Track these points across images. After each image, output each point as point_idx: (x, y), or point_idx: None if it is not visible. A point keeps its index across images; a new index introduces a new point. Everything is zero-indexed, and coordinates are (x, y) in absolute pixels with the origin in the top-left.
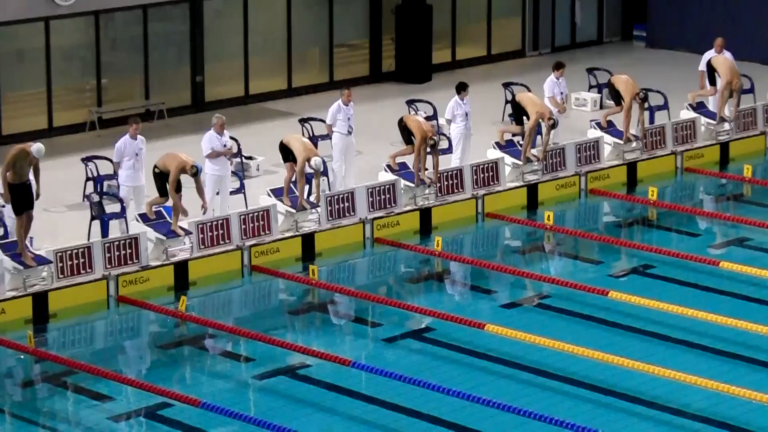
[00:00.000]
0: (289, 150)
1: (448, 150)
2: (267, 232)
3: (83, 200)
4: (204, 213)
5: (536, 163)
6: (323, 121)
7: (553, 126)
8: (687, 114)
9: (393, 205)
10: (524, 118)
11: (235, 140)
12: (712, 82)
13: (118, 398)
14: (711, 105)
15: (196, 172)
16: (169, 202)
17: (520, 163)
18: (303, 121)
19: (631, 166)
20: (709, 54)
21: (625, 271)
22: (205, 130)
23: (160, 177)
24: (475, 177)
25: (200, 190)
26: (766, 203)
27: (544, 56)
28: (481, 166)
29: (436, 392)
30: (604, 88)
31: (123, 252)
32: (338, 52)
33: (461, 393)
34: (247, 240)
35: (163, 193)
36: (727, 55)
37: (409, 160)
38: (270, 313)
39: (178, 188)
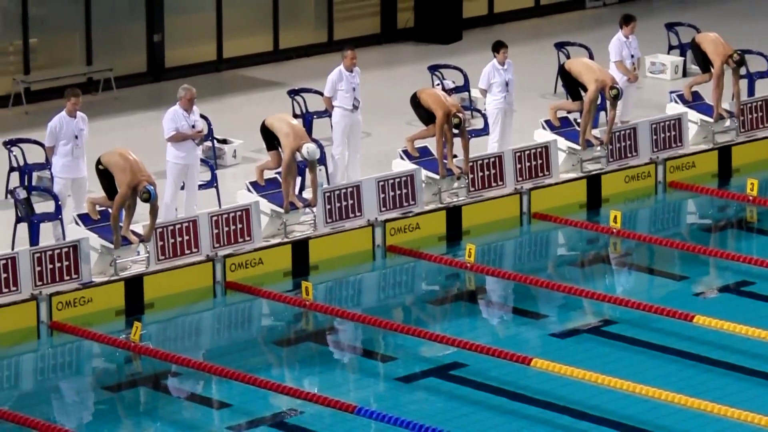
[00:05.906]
0: (273, 135)
1: (484, 131)
2: (247, 238)
3: (6, 197)
4: (138, 244)
5: (599, 148)
6: (320, 93)
7: (617, 97)
8: None
9: (411, 202)
10: (580, 90)
11: (206, 119)
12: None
13: None
14: None
15: (147, 198)
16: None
17: (577, 147)
18: (293, 93)
19: (724, 152)
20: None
21: (716, 290)
22: (165, 105)
23: (106, 176)
24: (518, 166)
25: (152, 217)
26: None
27: (610, 7)
28: (526, 152)
29: None
30: (688, 49)
31: (58, 264)
32: (340, 2)
33: None
34: (220, 249)
35: (111, 195)
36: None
37: (432, 143)
38: (250, 345)
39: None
